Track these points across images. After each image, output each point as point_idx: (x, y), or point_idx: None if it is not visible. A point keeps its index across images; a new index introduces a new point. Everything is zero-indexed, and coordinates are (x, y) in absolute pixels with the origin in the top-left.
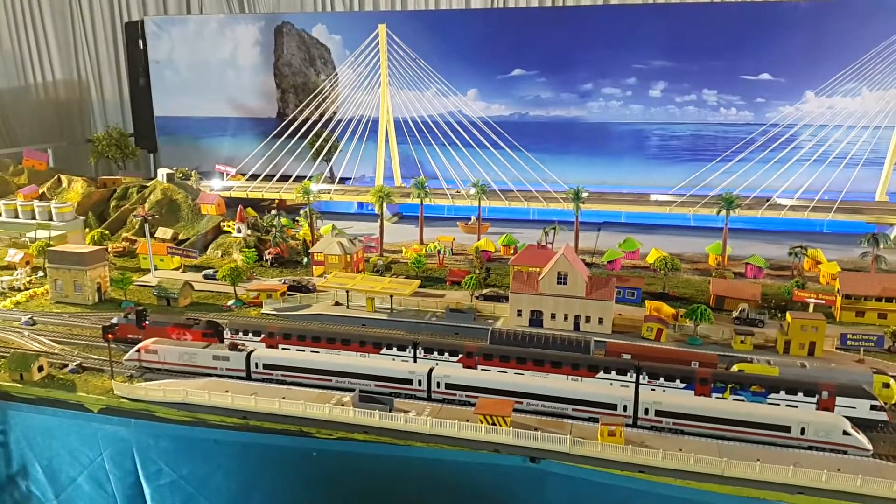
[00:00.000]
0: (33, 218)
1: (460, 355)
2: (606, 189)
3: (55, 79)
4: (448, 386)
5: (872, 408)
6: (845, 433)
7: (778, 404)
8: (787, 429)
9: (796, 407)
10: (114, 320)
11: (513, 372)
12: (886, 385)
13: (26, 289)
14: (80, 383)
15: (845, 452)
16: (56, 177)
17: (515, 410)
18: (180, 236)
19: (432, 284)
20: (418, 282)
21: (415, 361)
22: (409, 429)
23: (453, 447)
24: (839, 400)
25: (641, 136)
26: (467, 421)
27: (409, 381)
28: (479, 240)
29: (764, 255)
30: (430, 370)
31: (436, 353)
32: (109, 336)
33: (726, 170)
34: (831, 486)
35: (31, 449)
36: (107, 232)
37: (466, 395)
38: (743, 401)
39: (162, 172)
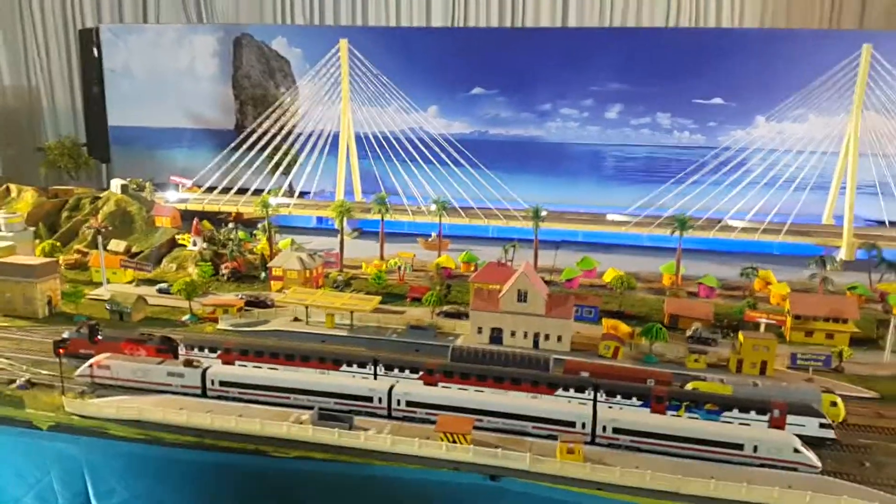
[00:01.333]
0: None
1: (421, 373)
2: (564, 208)
3: (3, 85)
4: (409, 403)
5: (821, 426)
6: (796, 451)
7: (731, 422)
8: (741, 446)
9: (749, 425)
10: (65, 335)
11: (473, 389)
12: (834, 404)
13: None
14: (28, 399)
15: (795, 469)
16: (5, 186)
17: (476, 428)
18: (134, 249)
19: (393, 301)
20: (379, 298)
21: (375, 379)
22: (370, 447)
23: (414, 465)
24: (790, 418)
25: (598, 156)
26: (427, 439)
27: (370, 399)
28: (439, 256)
29: (716, 276)
30: (391, 387)
31: (396, 371)
32: (61, 351)
33: (680, 191)
34: (783, 502)
35: None
36: (58, 244)
37: (427, 413)
38: (697, 419)
39: (116, 183)
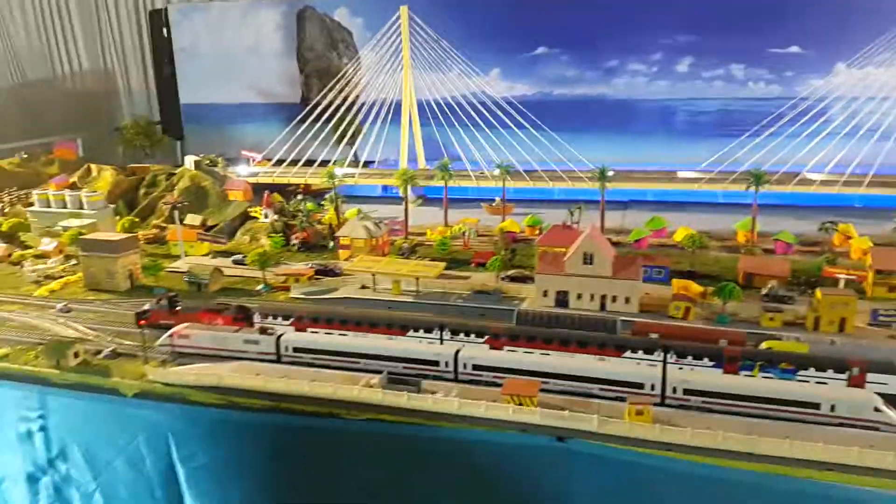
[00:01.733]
0: (65, 207)
1: (486, 337)
2: (633, 167)
3: (82, 69)
4: (475, 367)
5: None
6: (877, 409)
7: (807, 381)
8: (817, 406)
9: (826, 384)
10: (146, 306)
11: (539, 353)
12: None
13: (60, 277)
14: (114, 368)
15: (877, 429)
16: (86, 166)
17: (542, 391)
18: (209, 222)
19: (458, 266)
20: (444, 264)
21: (441, 343)
22: (437, 409)
23: (481, 427)
24: (870, 376)
25: (668, 112)
26: (494, 401)
27: (437, 363)
28: (503, 221)
29: (794, 231)
30: (457, 352)
31: (462, 335)
32: (142, 322)
33: (755, 145)
34: (863, 462)
35: (70, 433)
36: (137, 220)
37: (493, 376)
38: (772, 378)
39: (189, 160)
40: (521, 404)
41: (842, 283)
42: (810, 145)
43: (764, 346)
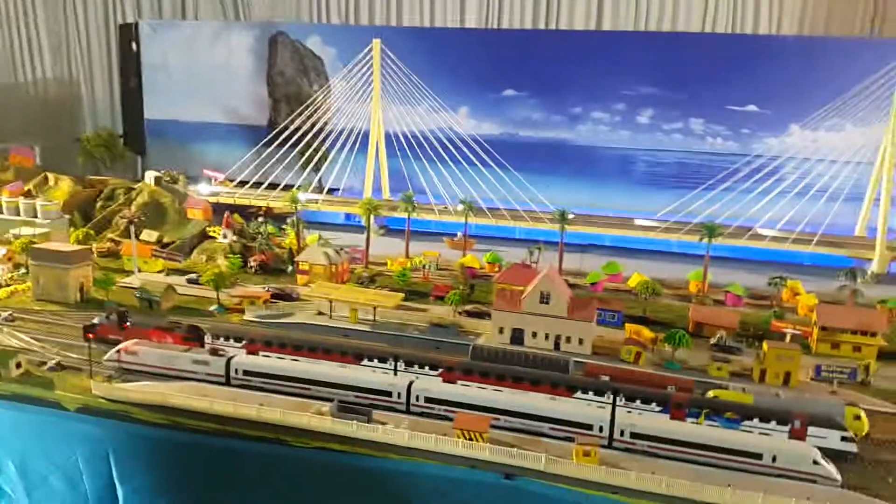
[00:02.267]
0: (18, 214)
1: (441, 370)
2: (592, 212)
3: (46, 77)
4: (427, 399)
5: (843, 439)
6: (815, 462)
7: (751, 431)
8: (759, 456)
9: (769, 435)
10: (95, 320)
11: (492, 388)
12: (857, 417)
13: (7, 285)
14: (58, 381)
15: (814, 482)
16: (43, 175)
17: (493, 427)
18: (165, 239)
19: (416, 298)
20: (402, 295)
21: (395, 374)
22: (387, 440)
23: (430, 461)
24: (811, 430)
25: (628, 160)
26: (445, 435)
27: (389, 394)
28: (464, 256)
29: (744, 284)
30: (410, 383)
31: (416, 367)
32: (90, 335)
33: (710, 198)
34: None
35: (4, 446)
36: (92, 232)
37: (445, 410)
38: (717, 426)
39: (150, 175)
40: (471, 439)
41: (788, 338)
42: (763, 202)
43: (711, 394)
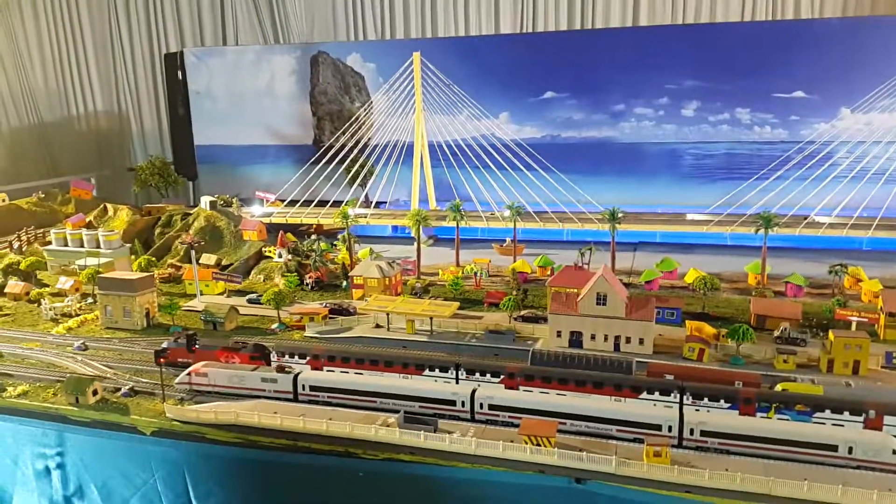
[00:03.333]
0: (82, 246)
1: (502, 376)
2: (641, 209)
3: (97, 110)
4: (491, 407)
5: None
6: (895, 452)
7: (824, 423)
8: (835, 448)
9: (843, 426)
10: (165, 344)
11: (555, 393)
12: None
13: (77, 315)
14: (132, 406)
15: (895, 472)
16: (102, 205)
17: (559, 431)
18: (224, 262)
19: (470, 306)
20: (457, 304)
21: (457, 383)
22: (454, 449)
23: (498, 468)
24: (887, 419)
25: (675, 155)
26: (511, 442)
27: (453, 403)
28: (514, 261)
29: (803, 274)
30: (473, 391)
31: (478, 375)
32: (161, 360)
33: (763, 188)
34: None
35: (87, 471)
36: (153, 258)
37: (510, 416)
38: (788, 420)
39: (205, 200)
40: (538, 445)
41: (854, 326)
42: (817, 188)
43: (779, 387)
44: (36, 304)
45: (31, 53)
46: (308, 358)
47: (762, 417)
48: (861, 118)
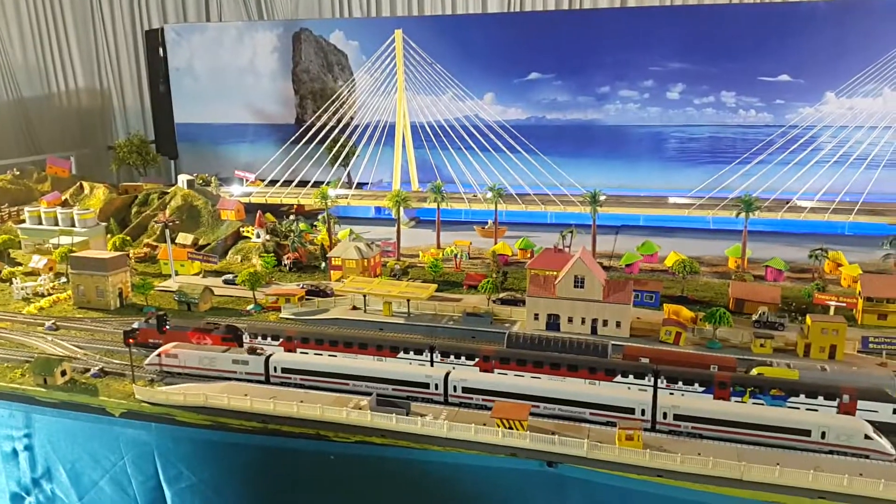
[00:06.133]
0: (56, 224)
1: (477, 359)
2: (624, 192)
3: (77, 87)
4: (465, 390)
5: (895, 412)
6: (867, 437)
7: (798, 408)
8: (808, 432)
9: (816, 411)
10: (135, 325)
11: (529, 376)
12: None
13: (49, 294)
14: (102, 387)
15: (867, 457)
16: (78, 183)
17: (532, 414)
18: (200, 242)
19: (449, 288)
20: (435, 286)
21: (431, 365)
22: (427, 432)
23: (470, 451)
24: (860, 404)
25: (659, 138)
26: (484, 425)
27: (426, 385)
28: (495, 244)
29: (784, 258)
30: (447, 374)
31: (452, 357)
32: (131, 341)
33: (745, 172)
34: (853, 490)
35: (55, 452)
36: (128, 238)
37: (483, 399)
38: (762, 404)
39: (182, 179)
40: (511, 428)
41: (832, 310)
42: (800, 173)
43: (754, 371)
44: (7, 283)
45: (9, 28)
46: (281, 340)
47: (737, 401)
48: (845, 102)
